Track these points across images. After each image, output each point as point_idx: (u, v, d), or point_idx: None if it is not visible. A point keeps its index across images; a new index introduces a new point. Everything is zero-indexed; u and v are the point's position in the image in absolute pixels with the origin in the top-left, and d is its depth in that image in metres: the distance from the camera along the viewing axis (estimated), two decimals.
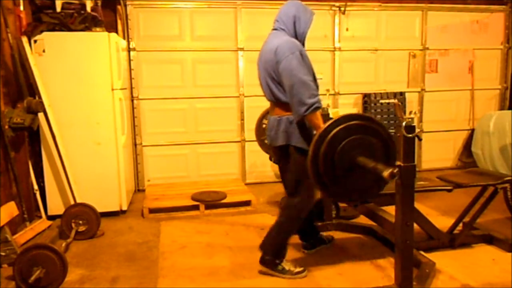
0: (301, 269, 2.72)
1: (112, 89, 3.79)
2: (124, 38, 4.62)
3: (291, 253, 2.97)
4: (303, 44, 2.66)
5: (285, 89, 2.52)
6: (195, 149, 5.03)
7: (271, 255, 2.71)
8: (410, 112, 2.26)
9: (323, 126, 2.32)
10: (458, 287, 2.55)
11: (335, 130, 2.25)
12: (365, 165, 2.19)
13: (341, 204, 3.55)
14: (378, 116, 5.12)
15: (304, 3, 2.68)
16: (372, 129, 2.31)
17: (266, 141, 3.07)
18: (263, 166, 5.16)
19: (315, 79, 2.59)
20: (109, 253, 3.15)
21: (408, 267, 2.33)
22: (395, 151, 2.37)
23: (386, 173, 2.04)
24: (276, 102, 2.66)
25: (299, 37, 2.66)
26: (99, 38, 3.72)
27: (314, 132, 2.45)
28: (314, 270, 2.78)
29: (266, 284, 2.62)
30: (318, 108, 2.44)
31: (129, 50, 4.73)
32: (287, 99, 2.54)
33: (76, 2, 3.72)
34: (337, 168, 2.27)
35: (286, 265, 2.71)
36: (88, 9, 3.76)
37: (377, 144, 2.30)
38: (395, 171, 2.05)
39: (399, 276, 2.34)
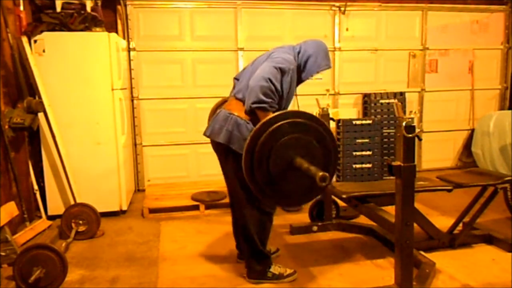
0: (291, 271, 2.67)
1: (112, 89, 3.79)
2: (124, 38, 4.62)
3: (287, 256, 2.96)
4: (301, 81, 2.64)
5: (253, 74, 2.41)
6: (195, 149, 5.02)
7: (257, 265, 2.61)
8: (410, 112, 2.27)
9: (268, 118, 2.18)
10: (458, 287, 2.55)
11: (280, 123, 2.12)
12: (300, 166, 2.07)
13: (341, 204, 3.55)
14: (378, 116, 5.13)
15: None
16: (319, 133, 2.19)
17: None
18: None
19: (281, 98, 2.46)
20: (109, 253, 3.14)
21: (408, 267, 2.33)
22: (336, 163, 2.29)
23: (318, 176, 1.91)
24: (237, 98, 2.55)
25: (302, 72, 2.62)
26: (99, 38, 3.73)
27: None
28: (314, 270, 2.78)
29: (266, 285, 2.61)
30: (265, 109, 2.31)
31: (129, 50, 4.72)
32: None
33: (76, 2, 3.72)
34: (272, 165, 2.13)
35: (275, 270, 2.63)
36: (88, 9, 3.76)
37: (319, 151, 2.18)
38: (326, 174, 1.91)
39: (399, 276, 2.34)
